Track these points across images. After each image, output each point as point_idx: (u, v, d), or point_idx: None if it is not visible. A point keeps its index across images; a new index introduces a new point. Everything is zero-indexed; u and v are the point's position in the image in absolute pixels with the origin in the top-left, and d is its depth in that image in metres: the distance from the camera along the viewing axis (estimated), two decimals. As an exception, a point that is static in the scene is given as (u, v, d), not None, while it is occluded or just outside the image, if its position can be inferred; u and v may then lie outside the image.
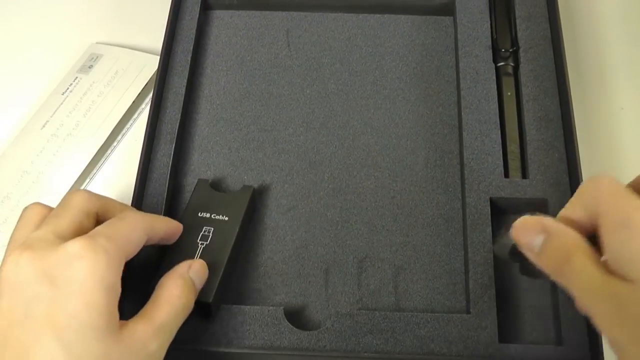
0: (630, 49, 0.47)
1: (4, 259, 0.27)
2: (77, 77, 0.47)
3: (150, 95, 0.43)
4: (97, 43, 0.50)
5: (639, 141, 0.44)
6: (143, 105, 0.47)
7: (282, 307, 0.35)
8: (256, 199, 0.39)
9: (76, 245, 0.26)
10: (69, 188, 0.42)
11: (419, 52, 0.45)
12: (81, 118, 0.45)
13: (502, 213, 0.38)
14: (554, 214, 0.27)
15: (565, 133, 0.39)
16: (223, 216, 0.36)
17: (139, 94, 0.46)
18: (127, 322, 0.28)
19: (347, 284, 0.37)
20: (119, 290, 0.28)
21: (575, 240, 0.25)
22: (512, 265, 0.37)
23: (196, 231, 0.35)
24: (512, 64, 0.42)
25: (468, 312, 0.35)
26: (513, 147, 0.40)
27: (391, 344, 0.34)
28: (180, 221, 0.35)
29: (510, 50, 0.42)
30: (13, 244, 0.29)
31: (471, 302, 0.35)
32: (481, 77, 0.41)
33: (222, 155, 0.41)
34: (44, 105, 0.46)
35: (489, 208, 0.37)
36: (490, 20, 0.44)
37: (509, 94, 0.41)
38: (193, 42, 0.44)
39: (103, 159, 0.45)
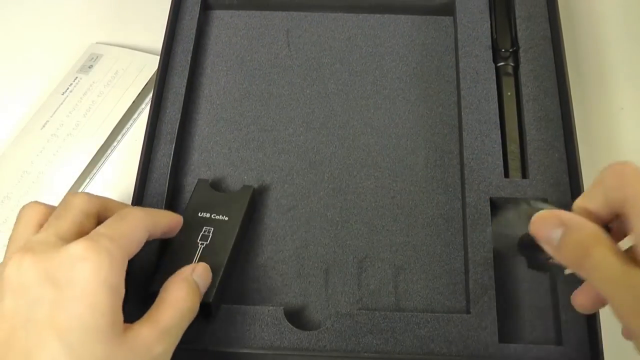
0: (630, 49, 0.47)
1: (5, 261, 0.27)
2: (77, 77, 0.47)
3: (150, 95, 0.43)
4: (97, 43, 0.50)
5: (639, 141, 0.44)
6: (143, 105, 0.47)
7: (282, 307, 0.35)
8: (256, 199, 0.39)
9: (79, 247, 0.26)
10: (69, 188, 0.42)
11: (419, 52, 0.45)
12: (81, 118, 0.45)
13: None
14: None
15: (565, 133, 0.39)
16: (223, 216, 0.36)
17: (139, 94, 0.46)
18: (131, 325, 0.27)
19: (347, 284, 0.37)
20: (123, 291, 0.27)
21: (594, 232, 0.24)
22: (512, 265, 0.37)
23: (196, 231, 0.35)
24: (512, 64, 0.42)
25: (468, 312, 0.35)
26: (513, 147, 0.40)
27: (391, 344, 0.34)
28: (180, 221, 0.35)
29: (510, 50, 0.42)
30: (13, 245, 0.29)
31: (471, 302, 0.35)
32: (481, 77, 0.41)
33: (222, 155, 0.41)
34: (44, 105, 0.46)
35: (489, 208, 0.37)
36: (490, 20, 0.44)
37: (509, 94, 0.41)
38: (193, 42, 0.44)
39: (103, 159, 0.45)
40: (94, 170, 0.44)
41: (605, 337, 0.32)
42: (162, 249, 0.36)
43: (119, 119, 0.45)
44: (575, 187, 0.37)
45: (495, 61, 0.42)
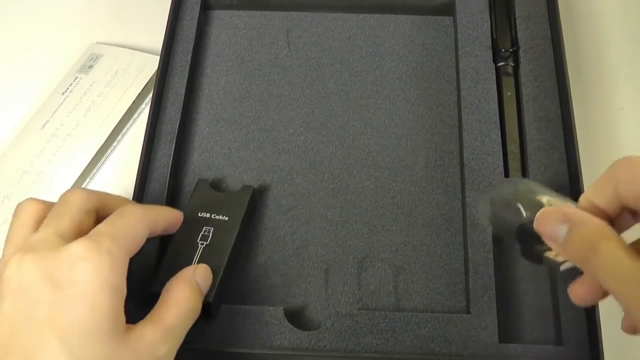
0: (630, 49, 0.47)
1: (5, 261, 0.27)
2: (77, 77, 0.47)
3: (150, 95, 0.43)
4: (97, 43, 0.50)
5: (639, 141, 0.44)
6: (143, 105, 0.47)
7: (282, 307, 0.35)
8: (256, 199, 0.39)
9: (79, 247, 0.26)
10: (69, 188, 0.42)
11: (419, 52, 0.45)
12: (81, 118, 0.45)
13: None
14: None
15: (565, 133, 0.39)
16: (223, 216, 0.36)
17: (139, 94, 0.46)
18: (134, 325, 0.27)
19: (347, 284, 0.37)
20: (124, 291, 0.27)
21: (601, 228, 0.24)
22: (512, 265, 0.37)
23: (196, 231, 0.35)
24: (512, 64, 0.42)
25: (468, 312, 0.35)
26: (513, 147, 0.40)
27: (391, 344, 0.34)
28: (180, 221, 0.35)
29: (510, 50, 0.42)
30: (11, 243, 0.29)
31: (471, 302, 0.35)
32: (481, 77, 0.41)
33: (222, 155, 0.41)
34: (44, 105, 0.46)
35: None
36: (490, 20, 0.44)
37: (509, 94, 0.41)
38: (193, 42, 0.44)
39: (103, 159, 0.45)
40: (94, 170, 0.44)
41: (605, 337, 0.32)
42: (162, 249, 0.36)
43: (119, 119, 0.45)
44: (575, 187, 0.37)
45: (495, 61, 0.42)
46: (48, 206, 0.30)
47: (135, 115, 0.46)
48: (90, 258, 0.26)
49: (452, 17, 0.45)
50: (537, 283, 0.36)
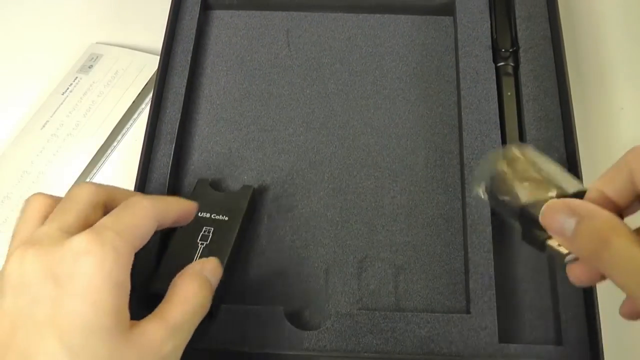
0: (630, 49, 0.47)
1: (7, 256, 0.26)
2: (77, 77, 0.47)
3: (150, 95, 0.43)
4: (97, 43, 0.50)
5: (639, 141, 0.43)
6: (143, 105, 0.47)
7: (282, 307, 0.35)
8: (256, 199, 0.39)
9: (82, 241, 0.25)
10: (69, 188, 0.42)
11: (419, 52, 0.45)
12: (81, 118, 0.45)
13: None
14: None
15: (565, 133, 0.39)
16: (223, 216, 0.36)
17: (139, 94, 0.46)
18: (138, 322, 0.26)
19: (347, 284, 0.37)
20: (129, 287, 0.26)
21: (612, 221, 0.23)
22: (512, 265, 0.37)
23: (196, 231, 0.35)
24: (512, 64, 0.42)
25: (468, 312, 0.35)
26: (513, 147, 0.40)
27: (391, 344, 0.34)
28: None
29: (510, 50, 0.42)
30: (16, 238, 0.28)
31: (471, 302, 0.35)
32: (481, 77, 0.41)
33: (222, 155, 0.41)
34: (44, 105, 0.46)
35: (489, 208, 0.37)
36: (490, 20, 0.44)
37: (509, 94, 0.41)
38: (193, 42, 0.44)
39: (103, 159, 0.45)
40: (94, 170, 0.44)
41: (605, 337, 0.32)
42: (162, 249, 0.36)
43: (119, 119, 0.45)
44: (575, 187, 0.37)
45: (495, 61, 0.42)
46: (56, 200, 0.29)
47: (135, 115, 0.46)
48: (93, 252, 0.25)
49: (452, 17, 0.45)
50: (537, 283, 0.36)
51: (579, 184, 0.27)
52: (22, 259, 0.25)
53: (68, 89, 0.47)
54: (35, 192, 0.41)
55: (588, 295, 0.34)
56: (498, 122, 0.40)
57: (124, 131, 0.46)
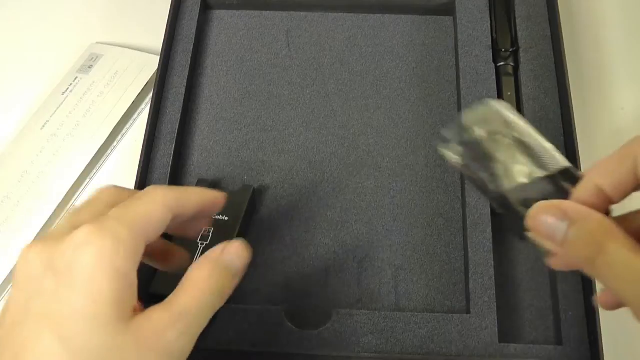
0: (630, 49, 0.47)
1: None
2: (77, 77, 0.47)
3: (150, 95, 0.43)
4: (97, 43, 0.50)
5: (639, 141, 0.43)
6: (143, 105, 0.47)
7: (282, 307, 0.35)
8: (256, 199, 0.39)
9: (83, 232, 0.24)
10: (69, 188, 0.42)
11: (419, 52, 0.45)
12: (81, 118, 0.45)
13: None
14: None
15: (565, 133, 0.39)
16: (223, 216, 0.36)
17: (139, 94, 0.46)
18: (143, 310, 0.25)
19: (347, 284, 0.37)
20: (133, 277, 0.24)
21: (606, 226, 0.22)
22: (512, 265, 0.37)
23: (196, 231, 0.35)
24: (512, 64, 0.42)
25: (468, 312, 0.35)
26: (513, 147, 0.39)
27: (391, 344, 0.34)
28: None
29: (510, 50, 0.42)
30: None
31: (471, 302, 0.35)
32: (481, 77, 0.41)
33: (222, 155, 0.41)
34: (44, 105, 0.46)
35: (488, 208, 0.37)
36: (490, 20, 0.44)
37: (509, 94, 0.41)
38: (193, 42, 0.44)
39: (103, 159, 0.45)
40: (94, 170, 0.44)
41: (605, 337, 0.32)
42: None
43: (119, 119, 0.45)
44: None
45: (495, 61, 0.42)
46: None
47: (135, 115, 0.46)
48: (92, 242, 0.24)
49: (452, 17, 0.45)
50: (537, 283, 0.36)
51: (560, 157, 0.25)
52: (27, 254, 0.25)
53: (68, 89, 0.47)
54: (35, 192, 0.42)
55: (588, 295, 0.34)
56: (498, 122, 0.40)
57: (124, 131, 0.46)
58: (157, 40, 0.43)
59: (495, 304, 0.35)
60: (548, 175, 0.25)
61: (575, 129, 0.38)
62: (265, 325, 0.34)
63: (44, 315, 0.24)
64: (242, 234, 0.37)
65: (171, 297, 0.25)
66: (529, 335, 0.35)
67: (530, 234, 0.24)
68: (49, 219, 0.41)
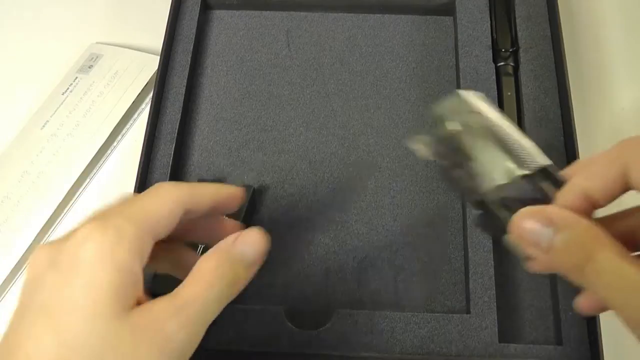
0: (630, 49, 0.47)
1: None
2: (77, 77, 0.47)
3: (150, 95, 0.43)
4: (97, 43, 0.50)
5: (639, 141, 0.43)
6: (143, 105, 0.47)
7: (282, 307, 0.35)
8: (256, 199, 0.39)
9: (86, 228, 0.24)
10: (69, 188, 0.42)
11: (419, 52, 0.45)
12: (81, 118, 0.45)
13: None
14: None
15: (565, 133, 0.39)
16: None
17: (139, 94, 0.46)
18: (145, 302, 0.24)
19: (347, 284, 0.37)
20: (136, 271, 0.24)
21: (594, 233, 0.21)
22: (512, 265, 0.37)
23: (196, 231, 0.35)
24: (512, 64, 0.42)
25: (468, 312, 0.35)
26: (513, 147, 0.39)
27: (391, 344, 0.34)
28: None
29: (510, 50, 0.42)
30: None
31: (471, 302, 0.35)
32: (481, 77, 0.41)
33: (222, 155, 0.41)
34: (44, 105, 0.46)
35: (489, 208, 0.37)
36: (490, 20, 0.44)
37: (509, 94, 0.41)
38: (193, 42, 0.44)
39: (103, 159, 0.45)
40: (94, 170, 0.44)
41: (605, 337, 0.32)
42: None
43: (119, 119, 0.45)
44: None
45: (495, 61, 0.42)
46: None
47: (135, 115, 0.46)
48: (94, 237, 0.24)
49: (452, 17, 0.45)
50: (537, 283, 0.36)
51: (539, 153, 0.24)
52: (36, 254, 0.25)
53: (68, 89, 0.47)
54: (35, 192, 0.42)
55: (588, 295, 0.34)
56: (498, 122, 0.40)
57: (124, 131, 0.46)
58: (157, 40, 0.43)
59: (495, 304, 0.35)
60: (528, 174, 0.24)
61: (575, 129, 0.38)
62: (265, 325, 0.34)
63: (42, 309, 0.24)
64: (242, 234, 0.37)
65: (177, 289, 0.25)
66: (529, 335, 0.35)
67: (511, 239, 0.23)
68: (49, 219, 0.41)
